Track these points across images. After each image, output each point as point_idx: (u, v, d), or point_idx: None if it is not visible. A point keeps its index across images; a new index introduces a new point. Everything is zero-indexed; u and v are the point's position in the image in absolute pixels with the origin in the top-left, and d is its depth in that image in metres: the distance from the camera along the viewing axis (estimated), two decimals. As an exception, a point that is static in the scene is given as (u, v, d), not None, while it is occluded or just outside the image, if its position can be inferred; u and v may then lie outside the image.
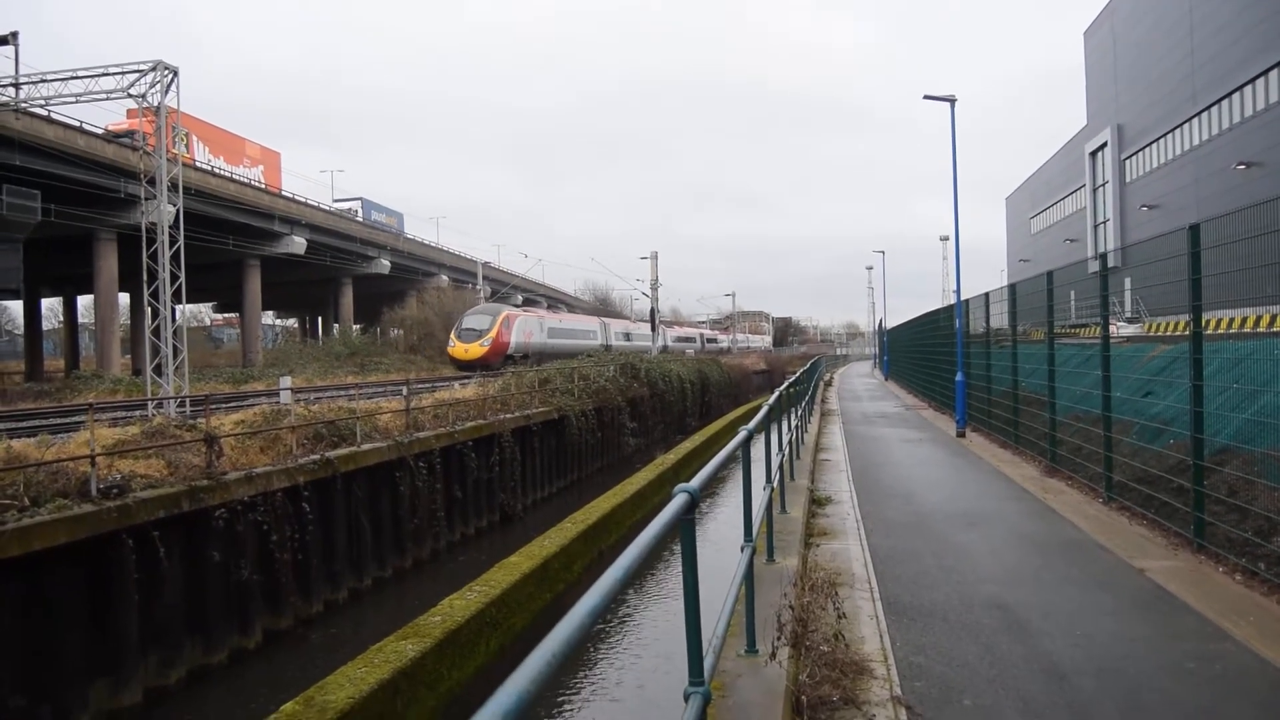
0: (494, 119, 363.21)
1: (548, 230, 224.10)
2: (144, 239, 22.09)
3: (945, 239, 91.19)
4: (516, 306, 49.54)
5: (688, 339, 76.65)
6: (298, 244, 47.17)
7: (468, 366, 36.24)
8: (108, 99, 22.19)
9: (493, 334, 39.19)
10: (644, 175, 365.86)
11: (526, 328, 42.18)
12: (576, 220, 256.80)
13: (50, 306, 66.32)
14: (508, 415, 20.29)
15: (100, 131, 33.47)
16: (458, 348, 39.27)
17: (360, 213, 60.62)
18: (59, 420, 16.54)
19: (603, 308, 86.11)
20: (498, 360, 37.81)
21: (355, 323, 58.94)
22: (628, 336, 57.05)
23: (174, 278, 22.10)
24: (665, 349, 58.40)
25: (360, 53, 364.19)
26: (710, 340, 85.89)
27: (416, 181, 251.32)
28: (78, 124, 31.88)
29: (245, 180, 46.49)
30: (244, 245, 42.82)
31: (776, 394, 10.52)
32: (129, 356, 45.79)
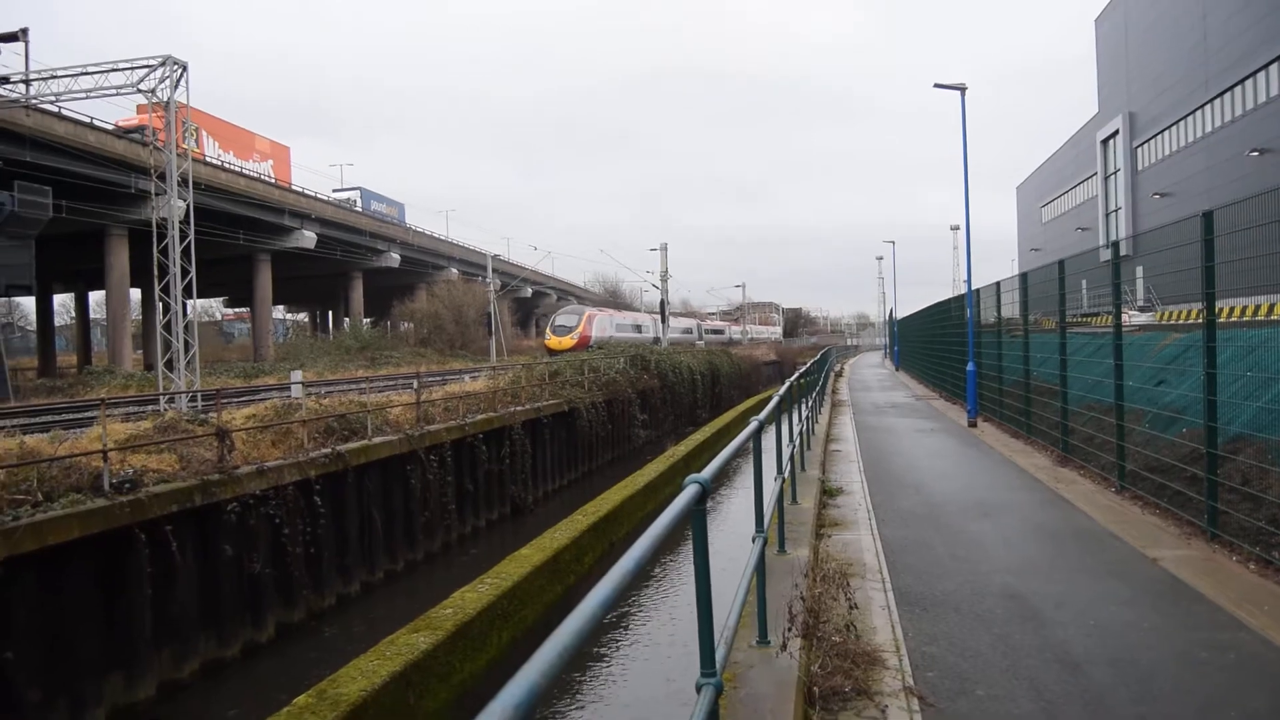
0: (496, 110, 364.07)
1: (557, 222, 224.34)
2: (155, 234, 22.17)
3: (955, 228, 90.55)
4: (594, 307, 56.63)
5: (717, 330, 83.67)
6: (308, 238, 47.25)
7: (559, 354, 41.89)
8: (118, 94, 22.22)
9: (579, 329, 48.02)
10: (652, 166, 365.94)
11: (602, 324, 50.92)
12: (586, 212, 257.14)
13: (62, 302, 66.62)
14: (518, 408, 20.33)
15: (110, 127, 33.48)
16: (552, 340, 47.81)
17: (359, 203, 60.59)
18: (72, 416, 16.62)
19: (612, 299, 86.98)
20: (583, 349, 43.86)
21: (365, 316, 59.08)
22: (667, 328, 61.44)
23: (185, 273, 22.20)
24: (703, 339, 67.99)
25: (360, 45, 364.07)
26: (724, 332, 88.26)
27: (421, 175, 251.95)
28: (88, 120, 31.93)
29: (255, 175, 46.59)
30: (254, 240, 42.94)
31: (787, 385, 10.48)
32: (141, 352, 46.01)
